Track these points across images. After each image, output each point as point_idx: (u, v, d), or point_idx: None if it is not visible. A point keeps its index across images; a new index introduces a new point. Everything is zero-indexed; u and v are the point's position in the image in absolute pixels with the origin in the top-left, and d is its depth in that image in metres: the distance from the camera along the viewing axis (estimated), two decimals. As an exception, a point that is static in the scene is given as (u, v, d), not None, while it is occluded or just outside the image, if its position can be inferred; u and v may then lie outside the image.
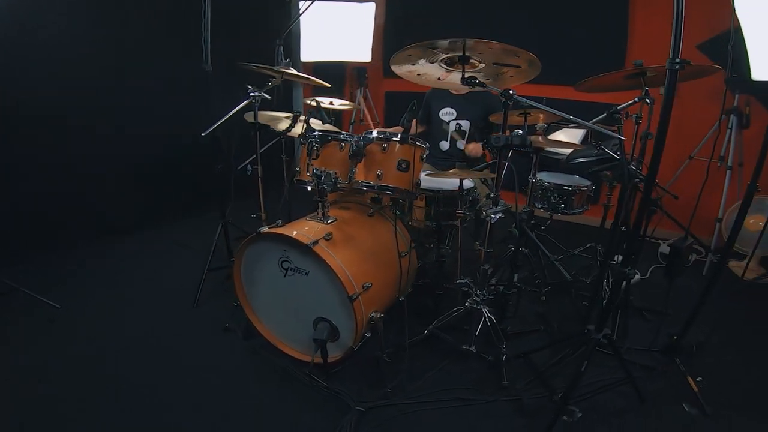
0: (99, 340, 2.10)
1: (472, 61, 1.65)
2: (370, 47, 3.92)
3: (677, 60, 1.27)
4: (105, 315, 2.31)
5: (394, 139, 1.89)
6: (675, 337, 1.97)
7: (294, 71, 2.33)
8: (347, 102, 3.03)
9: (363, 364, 1.95)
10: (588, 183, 2.44)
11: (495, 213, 1.68)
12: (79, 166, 3.06)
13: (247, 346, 2.08)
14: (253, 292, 2.06)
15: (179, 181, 3.84)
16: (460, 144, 2.81)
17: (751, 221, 3.05)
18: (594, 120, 1.77)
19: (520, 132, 1.49)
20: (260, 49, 2.93)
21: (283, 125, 2.60)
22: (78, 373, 1.87)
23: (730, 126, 3.11)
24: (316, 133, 2.02)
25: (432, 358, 2.01)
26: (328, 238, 1.80)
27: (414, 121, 3.09)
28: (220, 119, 2.34)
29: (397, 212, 2.23)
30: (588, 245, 2.77)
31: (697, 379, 1.80)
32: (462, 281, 2.01)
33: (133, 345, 2.06)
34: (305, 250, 1.74)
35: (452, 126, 2.80)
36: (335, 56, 3.88)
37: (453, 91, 2.77)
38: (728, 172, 3.09)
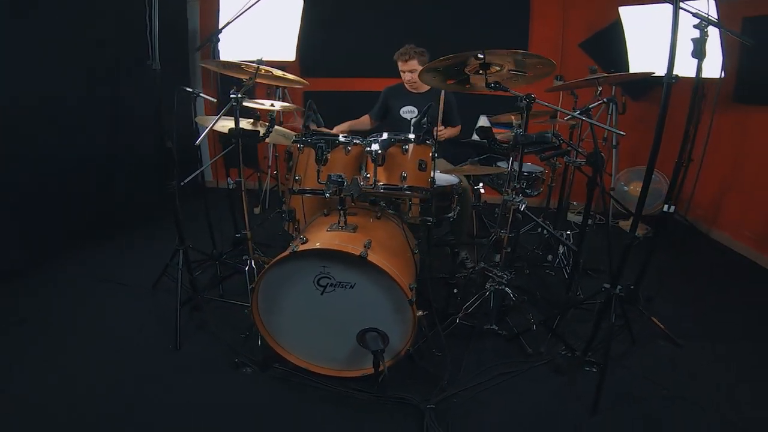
0: (71, 410, 1.68)
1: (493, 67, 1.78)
2: (296, 46, 3.75)
3: (672, 75, 1.56)
4: (63, 379, 1.84)
5: (409, 138, 1.93)
6: (632, 287, 2.44)
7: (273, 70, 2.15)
8: (288, 104, 2.92)
9: (397, 364, 1.94)
10: (541, 169, 2.81)
11: (521, 202, 1.87)
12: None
13: (273, 377, 1.90)
14: (274, 320, 1.87)
15: (87, 203, 3.20)
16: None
17: (632, 187, 3.88)
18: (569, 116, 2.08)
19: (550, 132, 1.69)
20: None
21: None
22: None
23: (610, 112, 3.87)
24: (316, 136, 1.94)
25: (455, 345, 2.10)
26: (368, 246, 1.75)
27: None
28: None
29: (391, 211, 2.27)
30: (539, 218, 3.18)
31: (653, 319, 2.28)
32: (482, 265, 2.17)
33: (122, 412, 1.69)
34: (355, 262, 1.68)
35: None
36: (258, 55, 3.59)
37: (412, 90, 2.87)
38: (613, 150, 3.87)
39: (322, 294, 1.76)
